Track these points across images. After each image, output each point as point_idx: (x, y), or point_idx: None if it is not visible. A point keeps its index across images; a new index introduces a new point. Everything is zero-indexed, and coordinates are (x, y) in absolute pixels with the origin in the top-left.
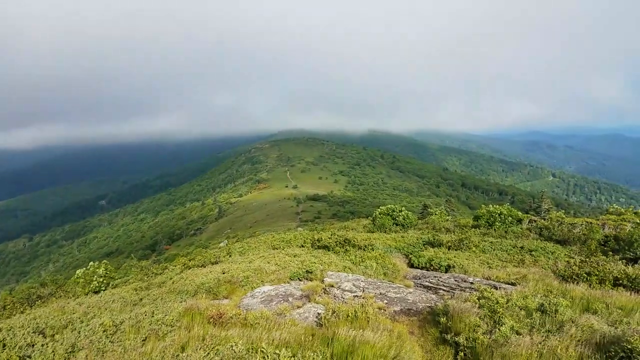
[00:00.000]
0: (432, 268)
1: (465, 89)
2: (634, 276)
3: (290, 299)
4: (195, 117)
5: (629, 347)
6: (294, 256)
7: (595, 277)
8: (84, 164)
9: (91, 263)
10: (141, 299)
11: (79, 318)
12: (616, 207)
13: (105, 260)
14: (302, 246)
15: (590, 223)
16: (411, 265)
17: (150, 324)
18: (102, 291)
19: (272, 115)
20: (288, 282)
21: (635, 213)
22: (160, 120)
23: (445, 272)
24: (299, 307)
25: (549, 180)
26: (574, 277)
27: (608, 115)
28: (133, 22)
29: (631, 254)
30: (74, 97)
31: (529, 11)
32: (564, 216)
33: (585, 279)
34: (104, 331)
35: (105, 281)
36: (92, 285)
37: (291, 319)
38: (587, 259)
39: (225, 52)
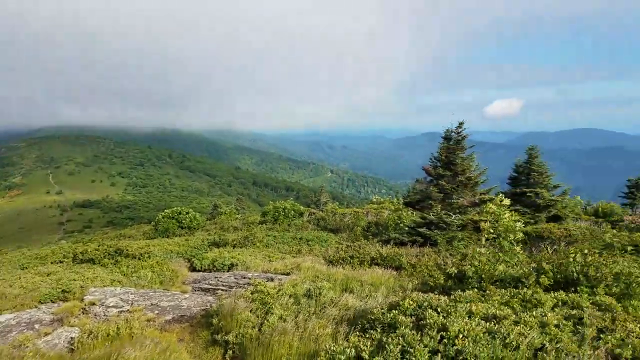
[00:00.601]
0: (215, 269)
1: (259, 88)
2: (385, 255)
3: (37, 325)
4: None
5: (372, 317)
6: (48, 275)
7: (357, 259)
8: None
9: None
10: None
11: None
12: (378, 197)
13: None
14: (61, 262)
15: (357, 212)
16: (194, 269)
17: None
18: None
19: (33, 108)
20: (36, 307)
21: (392, 202)
22: None
23: (228, 271)
24: (47, 333)
25: (328, 176)
26: (340, 261)
27: (375, 118)
28: None
29: (386, 236)
30: None
31: (311, 27)
32: (337, 207)
33: (349, 262)
34: None
35: None
36: None
37: (35, 349)
38: (352, 244)
39: None
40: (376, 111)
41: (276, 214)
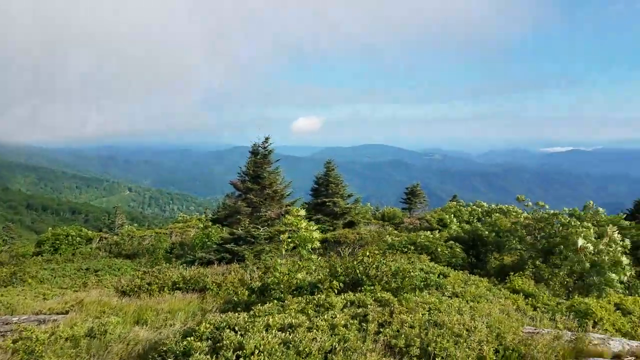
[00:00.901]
0: None
1: (34, 94)
2: (189, 277)
3: None
4: None
5: (165, 348)
6: None
7: (156, 285)
8: None
9: None
10: None
11: None
12: (184, 215)
13: None
14: None
15: (160, 233)
16: None
17: None
18: None
19: None
20: None
21: (199, 219)
22: None
23: None
24: None
25: (125, 194)
26: (136, 290)
27: (182, 130)
28: None
29: (192, 256)
30: None
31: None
32: (135, 230)
33: (146, 290)
34: None
35: None
36: None
37: None
38: (151, 269)
39: None
40: (184, 123)
41: (57, 242)
